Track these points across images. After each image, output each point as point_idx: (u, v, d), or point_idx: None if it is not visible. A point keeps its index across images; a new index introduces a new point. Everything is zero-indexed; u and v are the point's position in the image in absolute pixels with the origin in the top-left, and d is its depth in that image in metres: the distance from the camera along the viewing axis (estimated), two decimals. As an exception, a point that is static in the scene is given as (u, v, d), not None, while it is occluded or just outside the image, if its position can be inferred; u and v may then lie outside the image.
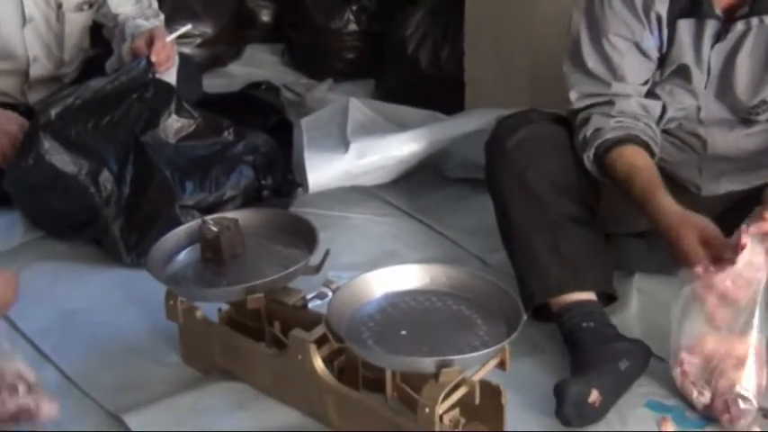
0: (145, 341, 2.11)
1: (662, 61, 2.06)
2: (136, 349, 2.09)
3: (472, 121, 2.57)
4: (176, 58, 2.57)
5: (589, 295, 1.99)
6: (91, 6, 2.67)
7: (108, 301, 2.25)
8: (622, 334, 1.97)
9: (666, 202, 1.91)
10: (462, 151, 2.58)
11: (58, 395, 1.93)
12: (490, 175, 2.15)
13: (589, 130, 2.04)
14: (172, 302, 1.96)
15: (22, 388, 1.61)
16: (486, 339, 1.68)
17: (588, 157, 2.05)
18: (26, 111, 2.58)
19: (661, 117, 2.09)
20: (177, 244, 2.00)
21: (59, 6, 2.60)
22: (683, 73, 2.04)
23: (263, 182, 2.46)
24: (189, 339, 2.01)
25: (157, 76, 2.47)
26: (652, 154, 2.04)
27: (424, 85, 3.03)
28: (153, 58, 2.44)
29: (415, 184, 2.68)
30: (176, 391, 1.95)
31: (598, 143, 2.03)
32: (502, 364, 1.72)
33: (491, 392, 1.71)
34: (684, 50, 2.02)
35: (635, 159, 2.00)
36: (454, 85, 2.94)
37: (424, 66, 3.06)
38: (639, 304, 2.16)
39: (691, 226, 1.85)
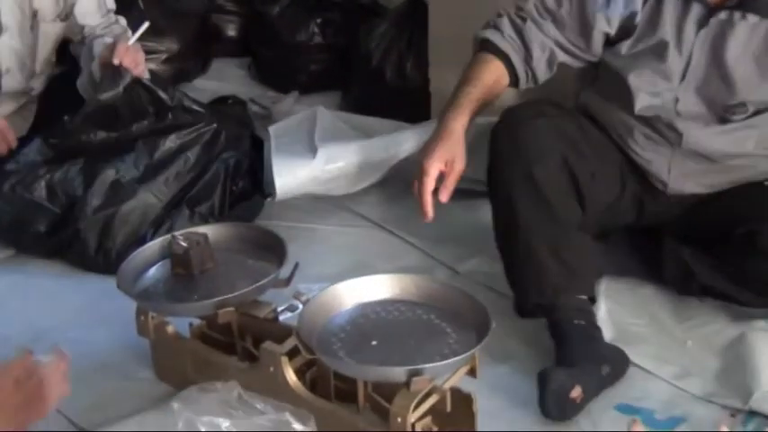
0: (117, 358, 2.11)
1: (637, 34, 2.09)
2: (108, 366, 2.09)
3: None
4: (143, 61, 2.56)
5: (582, 296, 2.03)
6: (64, 19, 2.66)
7: (79, 319, 2.25)
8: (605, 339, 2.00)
9: (460, 123, 2.06)
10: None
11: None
12: (495, 167, 2.13)
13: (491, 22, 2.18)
14: (143, 318, 1.97)
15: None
16: (456, 348, 1.70)
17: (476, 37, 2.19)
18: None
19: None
20: (147, 259, 2.01)
21: (35, 15, 2.59)
22: (659, 50, 2.08)
23: (233, 187, 2.48)
24: (161, 355, 2.01)
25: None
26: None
27: (390, 96, 3.05)
28: (115, 62, 2.44)
29: (384, 195, 2.70)
30: (149, 406, 1.94)
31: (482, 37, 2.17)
32: (472, 372, 1.74)
33: (463, 400, 1.73)
34: (666, 28, 2.06)
35: (484, 71, 2.13)
36: (420, 96, 2.96)
37: (389, 77, 3.09)
38: (607, 308, 2.18)
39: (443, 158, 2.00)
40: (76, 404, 1.96)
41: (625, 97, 2.11)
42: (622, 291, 2.24)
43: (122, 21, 2.75)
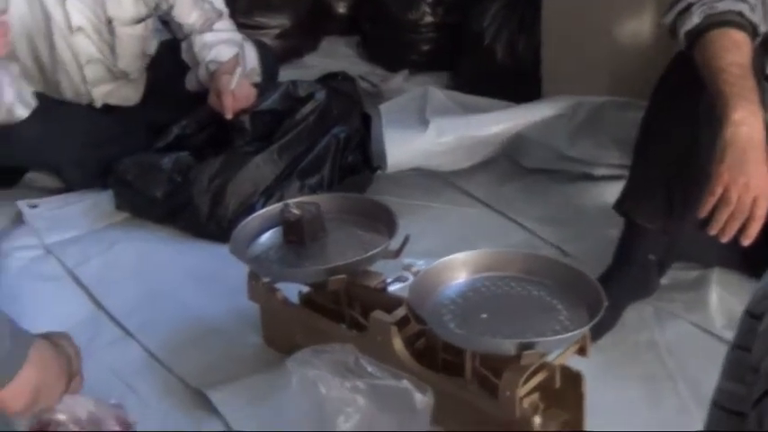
0: (226, 322, 2.14)
1: None
2: (218, 330, 2.12)
3: (552, 107, 2.58)
4: (252, 95, 2.60)
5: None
6: (145, 18, 2.69)
7: (192, 282, 2.29)
8: None
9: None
10: (541, 138, 2.58)
11: (144, 371, 2.02)
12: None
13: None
14: (254, 283, 2.00)
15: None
16: (567, 324, 1.68)
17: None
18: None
19: None
20: (260, 226, 2.04)
21: (110, 21, 2.63)
22: None
23: (342, 161, 2.51)
24: (269, 321, 2.04)
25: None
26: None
27: (500, 76, 3.04)
28: (228, 117, 2.52)
29: (492, 174, 2.69)
30: (257, 370, 1.98)
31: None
32: (582, 351, 1.73)
33: (571, 378, 1.71)
34: None
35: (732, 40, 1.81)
36: (530, 77, 2.94)
37: (500, 57, 3.07)
38: (718, 296, 2.14)
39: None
40: (188, 365, 2.02)
41: None
42: (733, 281, 2.19)
43: (216, 3, 2.74)
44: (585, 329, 1.66)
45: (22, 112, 2.50)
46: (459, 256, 1.83)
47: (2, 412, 1.40)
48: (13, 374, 1.34)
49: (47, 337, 1.49)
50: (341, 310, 1.95)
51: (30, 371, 1.37)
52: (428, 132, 2.48)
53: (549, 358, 1.70)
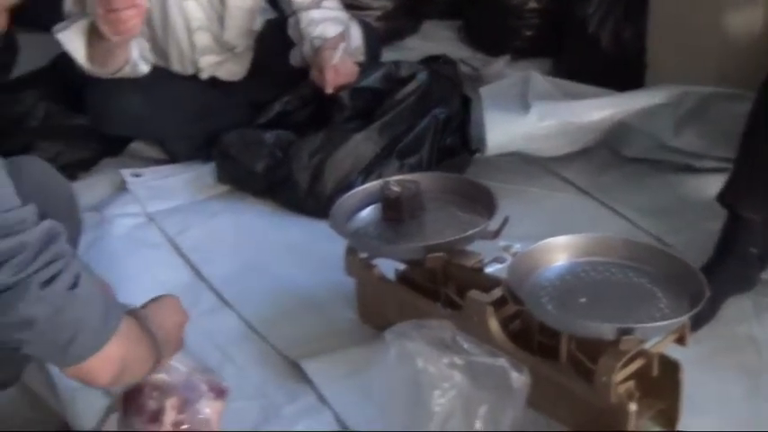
0: (321, 296, 2.16)
1: None
2: (312, 304, 2.15)
3: (657, 95, 2.53)
4: (353, 71, 2.62)
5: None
6: None
7: (289, 256, 2.32)
8: None
9: None
10: (644, 126, 2.54)
11: (240, 340, 2.05)
12: None
13: None
14: (351, 258, 2.01)
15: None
16: (667, 312, 1.66)
17: None
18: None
19: None
20: (359, 202, 2.05)
21: None
22: None
23: (441, 142, 2.52)
24: (365, 296, 2.06)
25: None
26: None
27: (604, 65, 2.99)
28: (329, 91, 2.53)
29: (592, 162, 2.66)
30: (351, 344, 2.00)
31: None
32: (681, 340, 1.70)
33: (669, 367, 1.69)
34: None
35: None
36: (635, 66, 2.89)
37: (604, 45, 3.02)
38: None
39: None
40: (283, 336, 2.05)
41: None
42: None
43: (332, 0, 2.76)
44: (686, 318, 1.64)
45: (144, 68, 2.55)
46: (560, 239, 1.82)
47: (89, 383, 1.41)
48: (100, 346, 1.34)
49: (143, 309, 1.51)
50: (437, 289, 1.95)
51: (118, 345, 1.37)
52: (529, 116, 2.46)
53: (647, 346, 1.68)
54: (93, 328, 1.32)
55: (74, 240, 1.61)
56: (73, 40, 2.39)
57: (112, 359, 1.37)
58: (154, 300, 1.62)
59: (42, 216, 1.30)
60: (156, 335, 1.50)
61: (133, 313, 1.46)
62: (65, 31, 2.39)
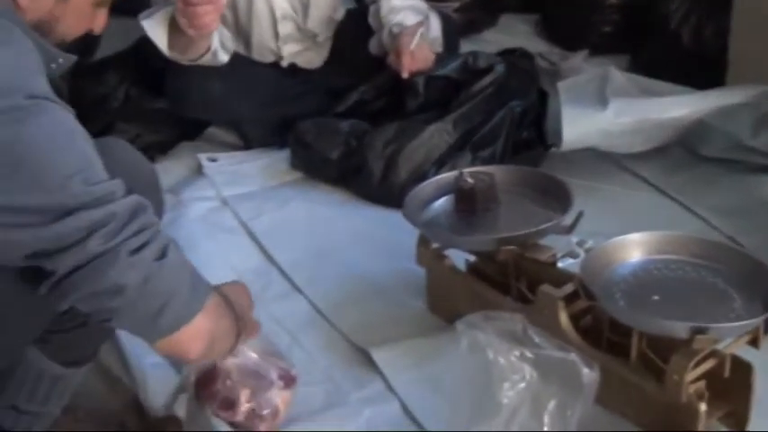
0: (391, 285, 2.17)
1: None
2: (382, 291, 2.15)
3: (737, 95, 2.49)
4: (430, 58, 2.62)
5: None
6: None
7: (359, 244, 2.33)
8: None
9: None
10: (723, 126, 2.50)
11: (309, 326, 2.07)
12: None
13: None
14: (423, 248, 2.02)
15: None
16: (741, 313, 1.64)
17: None
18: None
19: None
20: (433, 193, 2.06)
21: None
22: None
23: (516, 136, 2.52)
24: (435, 286, 2.06)
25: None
26: None
27: (685, 62, 2.96)
28: (405, 76, 2.54)
29: (667, 160, 2.63)
30: (420, 333, 2.00)
31: None
32: (754, 342, 1.68)
33: (741, 368, 1.67)
34: None
35: None
36: (715, 65, 2.85)
37: (685, 42, 2.99)
38: None
39: None
40: (351, 323, 2.06)
41: None
42: None
43: None
44: (761, 319, 1.62)
45: (224, 57, 2.58)
46: (634, 236, 1.80)
47: (180, 357, 1.43)
48: (191, 317, 1.36)
49: (220, 288, 1.53)
50: (507, 282, 1.95)
51: (205, 319, 1.38)
52: (606, 112, 2.44)
53: (719, 346, 1.66)
54: (182, 299, 1.34)
55: None
56: (155, 28, 2.44)
57: (202, 332, 1.38)
58: (225, 284, 1.65)
59: (129, 193, 1.32)
60: (237, 312, 1.52)
61: (216, 290, 1.48)
62: (149, 19, 2.44)
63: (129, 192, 1.32)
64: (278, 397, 1.74)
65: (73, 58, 1.45)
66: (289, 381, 1.78)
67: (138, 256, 1.28)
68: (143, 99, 2.79)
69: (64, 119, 1.29)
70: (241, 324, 1.55)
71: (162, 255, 1.31)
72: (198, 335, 1.38)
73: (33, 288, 1.29)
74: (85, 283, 1.27)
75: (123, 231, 1.27)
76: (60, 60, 1.42)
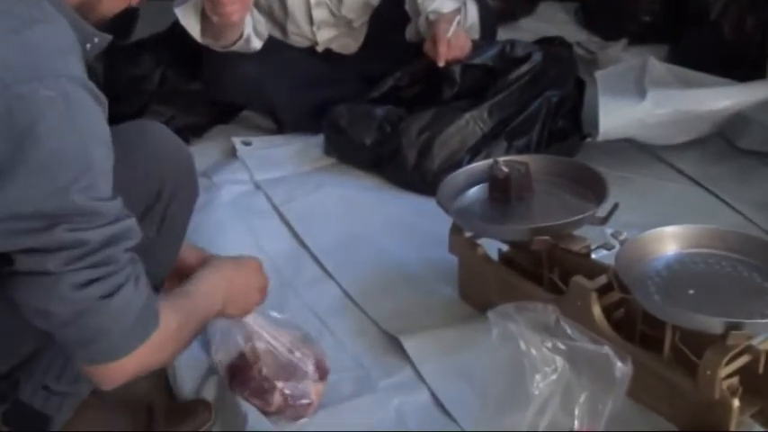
0: (422, 272, 2.16)
1: None
2: (413, 279, 2.15)
3: (781, 87, 2.46)
4: (467, 45, 2.59)
5: None
6: None
7: (391, 231, 2.32)
8: None
9: None
10: (763, 119, 2.47)
11: (339, 311, 2.06)
12: None
13: None
14: (456, 236, 2.00)
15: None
16: (778, 309, 1.62)
17: None
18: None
19: None
20: (466, 181, 2.05)
21: None
22: None
23: (552, 125, 2.50)
24: (467, 275, 2.05)
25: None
26: None
27: (724, 53, 2.91)
28: (441, 64, 2.52)
29: (705, 152, 2.60)
30: (451, 322, 1.99)
31: None
32: (790, 338, 1.66)
33: (776, 365, 1.65)
34: None
35: None
36: (756, 57, 2.81)
37: (726, 33, 2.95)
38: None
39: None
40: (382, 309, 2.05)
41: None
42: None
43: None
44: (798, 316, 1.59)
45: (257, 44, 2.58)
46: (670, 229, 1.78)
47: (94, 383, 1.40)
48: (113, 359, 1.33)
49: (215, 266, 1.53)
50: (540, 272, 1.93)
51: (136, 358, 1.35)
52: (645, 103, 2.41)
53: (754, 342, 1.64)
54: (114, 340, 1.32)
55: (190, 203, 1.63)
56: (188, 16, 2.46)
57: (126, 371, 1.35)
58: (235, 259, 1.64)
59: (123, 216, 1.30)
60: (206, 303, 1.51)
61: (185, 290, 1.47)
62: (182, 6, 2.46)
63: (126, 215, 1.29)
64: (312, 389, 1.74)
65: (108, 37, 1.41)
66: (323, 372, 1.78)
67: (82, 291, 1.26)
68: (178, 81, 2.79)
69: (86, 119, 1.25)
70: (227, 305, 1.55)
71: (110, 293, 1.28)
72: (120, 373, 1.35)
73: None
74: (25, 291, 1.26)
75: (83, 260, 1.24)
76: (96, 40, 1.38)
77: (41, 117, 1.19)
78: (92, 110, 1.26)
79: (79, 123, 1.23)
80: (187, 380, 1.86)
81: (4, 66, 1.19)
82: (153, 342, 1.35)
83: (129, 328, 1.32)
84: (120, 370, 1.34)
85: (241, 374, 1.73)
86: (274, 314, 1.80)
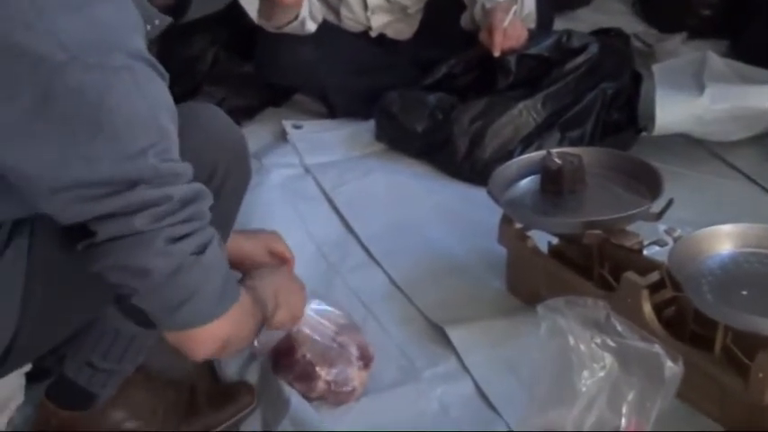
0: (470, 263, 2.14)
1: None
2: (461, 269, 2.13)
3: None
4: (523, 34, 2.57)
5: None
6: None
7: (440, 219, 2.31)
8: None
9: None
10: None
11: (385, 299, 2.05)
12: None
13: None
14: (506, 228, 1.98)
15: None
16: (835, 314, 1.58)
17: None
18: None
19: None
20: (518, 172, 2.02)
21: None
22: None
23: (607, 118, 2.47)
24: (516, 267, 2.03)
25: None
26: None
27: (785, 50, 2.87)
28: (496, 54, 2.49)
29: (762, 150, 2.55)
30: (497, 314, 1.97)
31: None
32: None
33: (831, 371, 1.61)
34: None
35: None
36: (819, 54, 2.76)
37: (787, 30, 2.90)
38: None
39: None
40: (428, 298, 2.04)
41: None
42: None
43: None
44: None
45: (311, 26, 2.57)
46: (726, 227, 1.75)
47: (184, 353, 1.38)
48: (206, 322, 1.32)
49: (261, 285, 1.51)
50: (590, 267, 1.90)
51: (223, 325, 1.34)
52: (702, 98, 2.37)
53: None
54: (206, 300, 1.31)
55: (242, 187, 1.62)
56: None
57: (215, 337, 1.35)
58: (269, 269, 1.63)
59: (193, 179, 1.30)
60: (266, 306, 1.49)
61: (249, 285, 1.46)
62: None
63: (194, 179, 1.30)
64: (355, 376, 1.73)
65: (168, 19, 1.42)
66: (367, 360, 1.77)
67: (176, 245, 1.25)
68: (231, 63, 2.79)
69: (153, 90, 1.25)
70: (273, 314, 1.53)
71: (200, 250, 1.28)
72: (209, 339, 1.34)
73: (72, 242, 1.27)
74: (117, 255, 1.25)
75: (171, 216, 1.24)
76: (156, 22, 1.39)
77: (111, 87, 1.19)
78: (158, 82, 1.27)
79: (147, 93, 1.23)
80: (230, 362, 1.86)
81: (71, 40, 1.19)
82: (239, 308, 1.36)
83: (219, 288, 1.32)
84: (211, 336, 1.34)
85: (286, 358, 1.73)
86: (319, 302, 1.79)
